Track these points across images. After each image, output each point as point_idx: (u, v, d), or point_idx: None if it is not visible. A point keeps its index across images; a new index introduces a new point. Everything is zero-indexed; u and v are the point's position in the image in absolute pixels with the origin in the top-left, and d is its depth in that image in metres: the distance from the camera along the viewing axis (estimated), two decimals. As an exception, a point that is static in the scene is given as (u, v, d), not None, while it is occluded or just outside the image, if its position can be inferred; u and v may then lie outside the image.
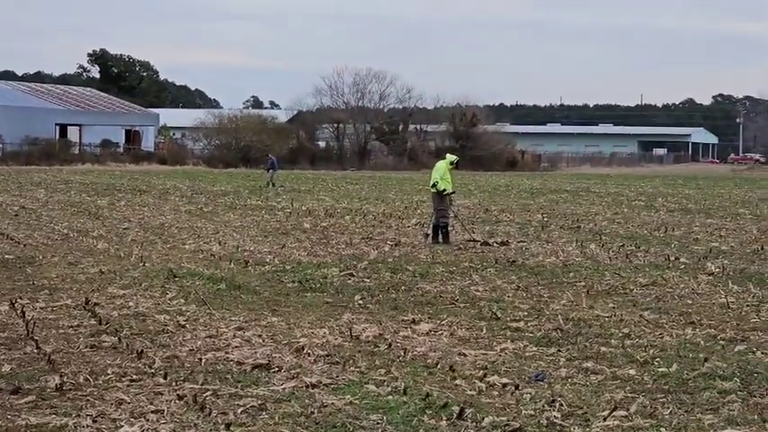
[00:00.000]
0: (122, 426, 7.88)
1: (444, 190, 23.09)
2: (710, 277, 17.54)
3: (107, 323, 12.17)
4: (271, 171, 54.19)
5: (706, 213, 35.76)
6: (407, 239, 23.86)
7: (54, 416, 8.09)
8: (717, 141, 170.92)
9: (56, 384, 9.04)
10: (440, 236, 22.82)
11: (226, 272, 17.57)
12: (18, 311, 12.87)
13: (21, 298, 14.04)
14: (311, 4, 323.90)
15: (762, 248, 22.51)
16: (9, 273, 16.88)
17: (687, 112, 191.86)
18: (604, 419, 8.21)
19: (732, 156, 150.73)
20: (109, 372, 9.66)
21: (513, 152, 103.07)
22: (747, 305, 14.44)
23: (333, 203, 38.70)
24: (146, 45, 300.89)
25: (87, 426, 7.85)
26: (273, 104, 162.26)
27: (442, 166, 23.69)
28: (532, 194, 49.96)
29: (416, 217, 31.24)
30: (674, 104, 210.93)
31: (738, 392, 9.13)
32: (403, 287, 15.91)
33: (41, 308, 13.32)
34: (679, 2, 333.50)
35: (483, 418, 8.13)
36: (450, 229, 23.32)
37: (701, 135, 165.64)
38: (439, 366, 10.13)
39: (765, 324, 12.85)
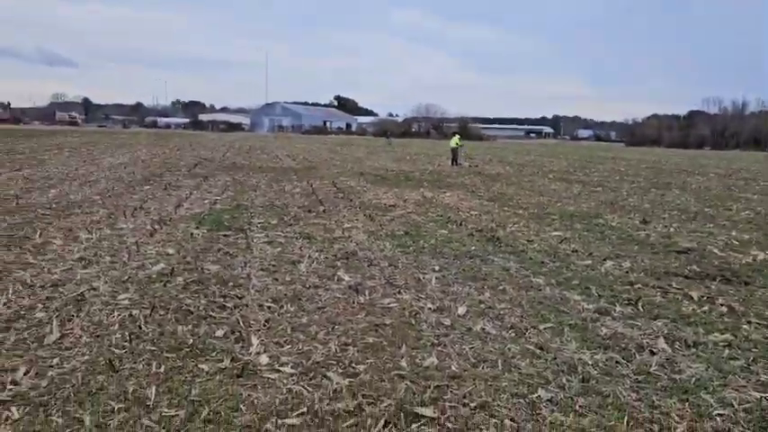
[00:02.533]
0: (344, 222, 8.09)
1: (458, 146, 22.39)
2: (502, 182, 16.78)
3: (339, 189, 12.34)
4: (390, 139, 53.23)
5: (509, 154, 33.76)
6: (442, 164, 23.17)
7: (320, 219, 8.32)
8: (552, 131, 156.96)
9: (322, 209, 9.26)
10: (455, 163, 22.24)
11: (380, 173, 17.46)
12: (309, 185, 13.12)
13: (310, 179, 14.28)
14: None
15: (524, 169, 21.22)
16: (306, 172, 17.05)
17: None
18: (512, 226, 8.14)
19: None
20: (340, 205, 9.84)
21: (481, 134, 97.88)
22: (522, 191, 13.80)
23: (417, 150, 37.77)
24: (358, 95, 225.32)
25: (333, 222, 8.07)
26: (395, 114, 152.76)
27: (455, 138, 22.82)
28: (488, 149, 48.13)
29: (445, 155, 30.36)
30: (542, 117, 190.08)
31: (532, 219, 8.87)
32: (440, 179, 15.62)
33: (318, 184, 13.48)
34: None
35: (468, 225, 8.12)
36: (460, 161, 22.50)
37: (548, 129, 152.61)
38: (453, 207, 10.05)
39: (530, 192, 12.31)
